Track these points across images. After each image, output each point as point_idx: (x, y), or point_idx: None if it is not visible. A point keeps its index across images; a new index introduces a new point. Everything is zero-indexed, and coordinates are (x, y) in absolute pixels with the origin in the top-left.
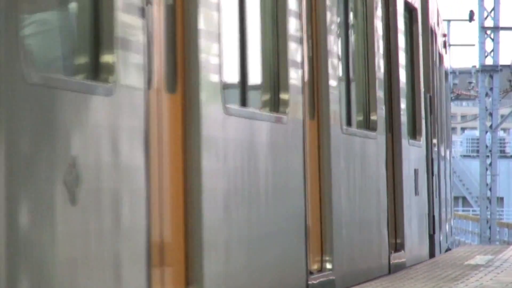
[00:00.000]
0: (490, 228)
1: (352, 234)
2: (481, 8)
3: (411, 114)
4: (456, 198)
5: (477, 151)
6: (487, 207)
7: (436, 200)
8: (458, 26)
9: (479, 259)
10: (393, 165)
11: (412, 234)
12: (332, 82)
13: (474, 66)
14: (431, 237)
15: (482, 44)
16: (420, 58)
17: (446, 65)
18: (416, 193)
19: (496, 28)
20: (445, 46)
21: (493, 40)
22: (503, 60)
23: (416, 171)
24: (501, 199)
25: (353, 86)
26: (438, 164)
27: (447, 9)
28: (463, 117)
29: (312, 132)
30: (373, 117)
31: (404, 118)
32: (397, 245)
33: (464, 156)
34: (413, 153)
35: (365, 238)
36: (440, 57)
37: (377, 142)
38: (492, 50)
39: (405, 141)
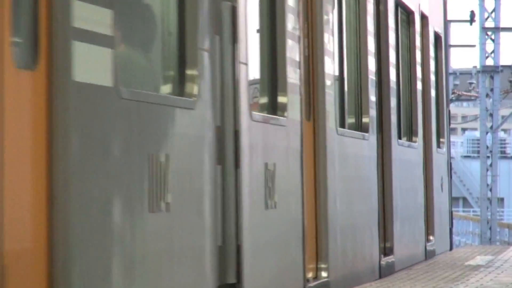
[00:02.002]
0: (490, 228)
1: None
2: (482, 8)
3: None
4: (456, 199)
5: (478, 152)
6: (487, 208)
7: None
8: (458, 27)
9: (479, 259)
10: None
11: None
12: None
13: (475, 67)
14: None
15: (482, 45)
16: None
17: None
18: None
19: (496, 29)
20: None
21: (493, 40)
22: (504, 61)
23: (267, 167)
24: (501, 200)
25: None
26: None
27: (448, 9)
28: (464, 117)
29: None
30: None
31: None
32: None
33: (465, 156)
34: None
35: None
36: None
37: None
38: (493, 51)
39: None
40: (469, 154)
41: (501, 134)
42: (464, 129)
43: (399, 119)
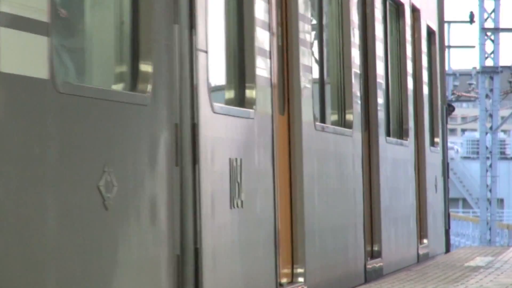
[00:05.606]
0: (490, 229)
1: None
2: (481, 9)
3: None
4: (456, 200)
5: (477, 153)
6: (487, 209)
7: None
8: (458, 28)
9: (479, 260)
10: None
11: None
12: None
13: (475, 68)
14: None
15: (482, 45)
16: None
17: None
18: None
19: (496, 30)
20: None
21: (493, 41)
22: (504, 61)
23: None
24: (501, 201)
25: None
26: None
27: (448, 10)
28: (463, 118)
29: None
30: None
31: None
32: None
33: (464, 157)
34: None
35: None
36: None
37: None
38: (493, 52)
39: None
40: (468, 155)
41: (501, 135)
42: (463, 130)
43: (388, 116)
